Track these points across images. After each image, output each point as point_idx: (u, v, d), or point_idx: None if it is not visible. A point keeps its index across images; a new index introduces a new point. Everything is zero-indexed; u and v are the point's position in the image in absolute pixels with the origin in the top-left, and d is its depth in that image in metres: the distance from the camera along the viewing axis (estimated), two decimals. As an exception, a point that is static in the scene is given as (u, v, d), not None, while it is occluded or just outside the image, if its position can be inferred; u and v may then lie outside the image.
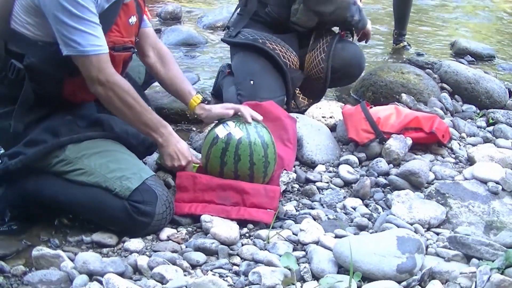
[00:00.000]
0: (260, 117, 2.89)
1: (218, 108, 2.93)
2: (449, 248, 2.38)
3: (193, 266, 2.35)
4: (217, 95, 3.90)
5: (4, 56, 2.51)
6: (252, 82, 3.54)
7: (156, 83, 3.30)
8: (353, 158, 3.22)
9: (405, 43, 5.42)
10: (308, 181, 3.06)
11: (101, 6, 2.48)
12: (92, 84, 2.51)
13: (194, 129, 3.64)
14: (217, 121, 2.92)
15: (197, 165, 2.87)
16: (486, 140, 3.58)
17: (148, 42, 2.96)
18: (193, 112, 2.99)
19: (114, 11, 2.56)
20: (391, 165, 3.16)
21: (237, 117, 2.87)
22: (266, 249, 2.44)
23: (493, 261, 2.20)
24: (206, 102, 2.96)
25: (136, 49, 2.79)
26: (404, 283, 2.17)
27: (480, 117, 3.97)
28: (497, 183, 2.88)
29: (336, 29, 3.93)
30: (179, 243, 2.49)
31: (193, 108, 2.95)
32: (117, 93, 2.53)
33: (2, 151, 2.75)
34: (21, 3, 2.44)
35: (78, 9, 2.36)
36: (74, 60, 2.46)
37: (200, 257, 2.38)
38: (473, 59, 5.29)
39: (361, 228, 2.64)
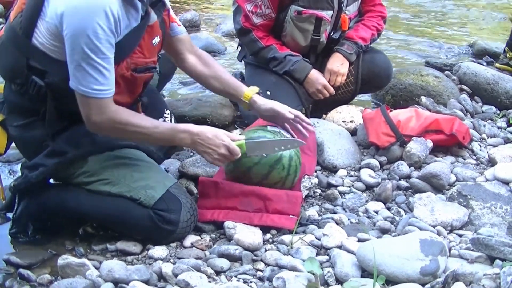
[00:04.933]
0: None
1: (277, 104, 2.92)
2: (472, 250, 2.38)
3: (217, 273, 2.36)
4: (235, 103, 3.86)
5: (26, 72, 2.44)
6: (269, 93, 3.50)
7: (182, 92, 3.29)
8: (374, 162, 3.23)
9: None
10: (330, 185, 3.06)
11: (130, 26, 2.41)
12: (90, 124, 2.43)
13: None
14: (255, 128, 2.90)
15: (241, 141, 2.65)
16: (507, 141, 3.58)
17: (185, 48, 2.88)
18: (250, 101, 2.91)
19: (138, 34, 2.47)
20: (412, 168, 3.16)
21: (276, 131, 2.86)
22: (289, 254, 2.45)
23: (516, 262, 2.19)
24: (261, 94, 2.95)
25: (158, 69, 2.74)
26: (428, 285, 2.16)
27: (501, 117, 3.97)
28: (519, 183, 2.87)
29: None
30: (203, 250, 2.51)
31: (250, 98, 2.90)
32: (116, 128, 2.43)
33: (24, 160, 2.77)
34: (46, 26, 2.34)
35: (90, 48, 2.25)
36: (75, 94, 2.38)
37: (224, 263, 2.39)
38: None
39: (384, 231, 2.64)
